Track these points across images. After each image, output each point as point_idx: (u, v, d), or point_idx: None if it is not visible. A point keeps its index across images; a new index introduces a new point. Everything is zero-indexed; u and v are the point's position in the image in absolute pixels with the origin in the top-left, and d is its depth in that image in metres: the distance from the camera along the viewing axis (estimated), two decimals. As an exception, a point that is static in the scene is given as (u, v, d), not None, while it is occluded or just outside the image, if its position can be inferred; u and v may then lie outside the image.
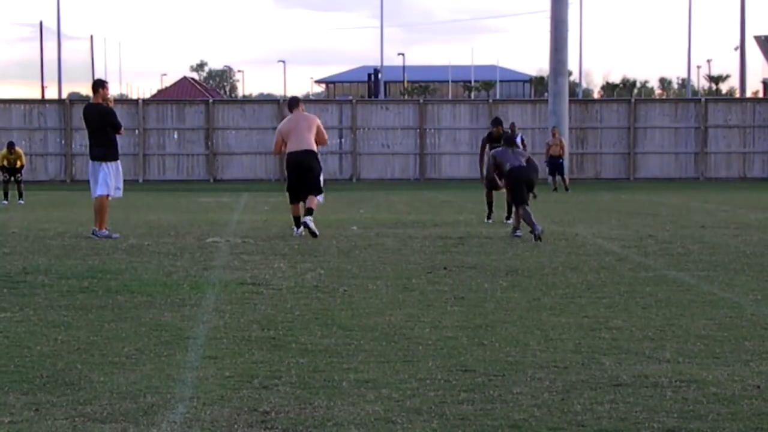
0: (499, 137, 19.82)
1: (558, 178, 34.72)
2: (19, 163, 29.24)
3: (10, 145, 29.79)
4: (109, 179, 16.67)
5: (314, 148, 16.90)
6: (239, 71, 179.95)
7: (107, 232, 16.57)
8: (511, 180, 17.07)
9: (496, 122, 20.86)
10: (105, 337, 8.42)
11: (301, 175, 16.92)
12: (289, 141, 16.96)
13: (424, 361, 7.50)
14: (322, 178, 17.22)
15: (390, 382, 6.88)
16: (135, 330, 8.71)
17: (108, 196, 16.68)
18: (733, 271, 12.59)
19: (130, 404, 6.31)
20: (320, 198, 17.03)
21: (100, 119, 16.72)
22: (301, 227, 16.82)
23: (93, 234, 16.57)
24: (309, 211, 16.71)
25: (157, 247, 15.14)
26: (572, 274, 12.26)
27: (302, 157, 16.87)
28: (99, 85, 17.15)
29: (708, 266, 13.03)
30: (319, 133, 17.12)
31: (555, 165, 34.76)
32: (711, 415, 6.08)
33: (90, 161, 16.96)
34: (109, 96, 17.15)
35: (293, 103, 17.71)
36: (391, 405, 6.30)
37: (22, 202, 28.36)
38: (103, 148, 16.72)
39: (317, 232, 16.40)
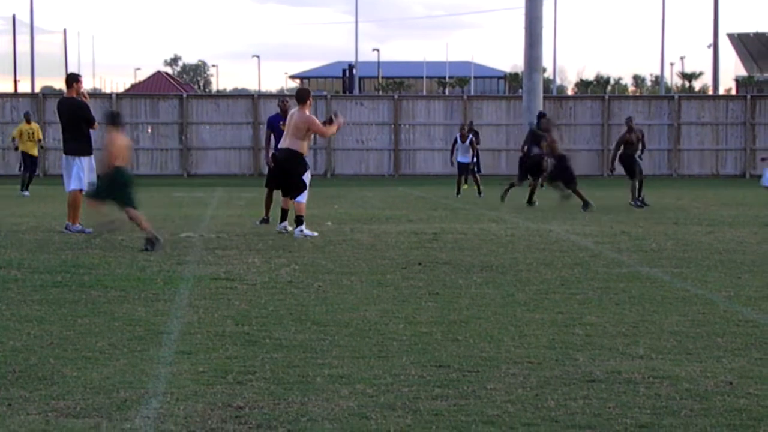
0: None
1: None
2: (35, 148, 29.03)
3: (27, 116, 29.83)
4: (82, 174, 16.59)
5: (296, 148, 16.39)
6: (213, 66, 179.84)
7: (80, 227, 16.50)
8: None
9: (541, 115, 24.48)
10: (78, 332, 8.39)
11: (281, 172, 16.85)
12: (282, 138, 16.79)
13: (398, 357, 7.50)
14: (306, 178, 16.72)
15: (364, 377, 6.88)
16: (108, 325, 8.68)
17: (81, 190, 16.61)
18: (706, 267, 12.66)
19: (103, 399, 6.29)
20: (300, 198, 16.65)
21: (74, 113, 16.64)
22: (284, 225, 16.79)
23: (66, 229, 16.50)
24: (284, 216, 16.80)
25: (130, 242, 15.08)
26: (546, 270, 12.30)
27: (285, 154, 16.52)
28: (73, 79, 17.04)
29: (681, 263, 13.08)
30: (309, 130, 16.41)
31: None
32: (684, 410, 6.11)
33: (63, 155, 16.88)
34: (83, 90, 17.07)
35: (300, 97, 16.62)
36: (365, 400, 6.30)
37: (26, 193, 28.09)
38: (77, 143, 16.65)
39: (288, 232, 16.42)
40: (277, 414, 6.01)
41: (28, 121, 29.54)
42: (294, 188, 16.52)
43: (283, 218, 16.90)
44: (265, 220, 18.36)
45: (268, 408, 6.13)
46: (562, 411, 6.10)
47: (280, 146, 16.83)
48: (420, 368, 7.15)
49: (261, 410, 6.08)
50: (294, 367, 7.15)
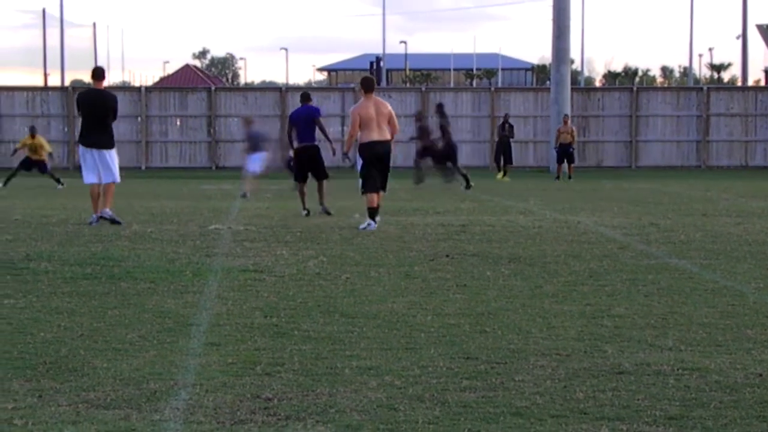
0: None
1: (564, 165, 34.75)
2: (42, 153, 29.30)
3: (33, 131, 30.05)
4: (113, 166, 16.72)
5: (389, 138, 16.46)
6: (241, 59, 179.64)
7: (110, 213, 16.64)
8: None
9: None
10: (108, 323, 8.43)
11: (380, 166, 16.48)
12: (368, 128, 16.23)
13: (427, 349, 7.51)
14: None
15: (392, 369, 6.89)
16: (138, 316, 8.72)
17: (105, 183, 16.74)
18: (735, 259, 12.60)
19: (133, 390, 6.32)
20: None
21: (104, 105, 16.60)
22: (376, 221, 16.24)
23: (98, 219, 16.56)
24: (375, 212, 16.31)
25: (159, 234, 15.15)
26: (574, 261, 12.27)
27: (385, 148, 16.43)
28: (103, 72, 17.16)
29: (710, 254, 13.03)
30: (392, 123, 16.49)
31: (566, 153, 34.79)
32: (713, 403, 6.09)
33: (88, 148, 16.71)
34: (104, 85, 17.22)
35: (370, 85, 16.50)
36: (393, 392, 6.31)
37: (61, 186, 28.34)
38: (108, 136, 16.69)
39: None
40: (306, 405, 6.02)
41: (33, 137, 29.72)
42: (386, 181, 16.67)
43: (373, 217, 16.32)
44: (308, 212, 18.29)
45: (296, 399, 6.15)
46: (591, 403, 6.09)
47: (374, 139, 16.25)
48: (448, 360, 7.15)
49: (290, 401, 6.10)
50: (322, 359, 7.17)
